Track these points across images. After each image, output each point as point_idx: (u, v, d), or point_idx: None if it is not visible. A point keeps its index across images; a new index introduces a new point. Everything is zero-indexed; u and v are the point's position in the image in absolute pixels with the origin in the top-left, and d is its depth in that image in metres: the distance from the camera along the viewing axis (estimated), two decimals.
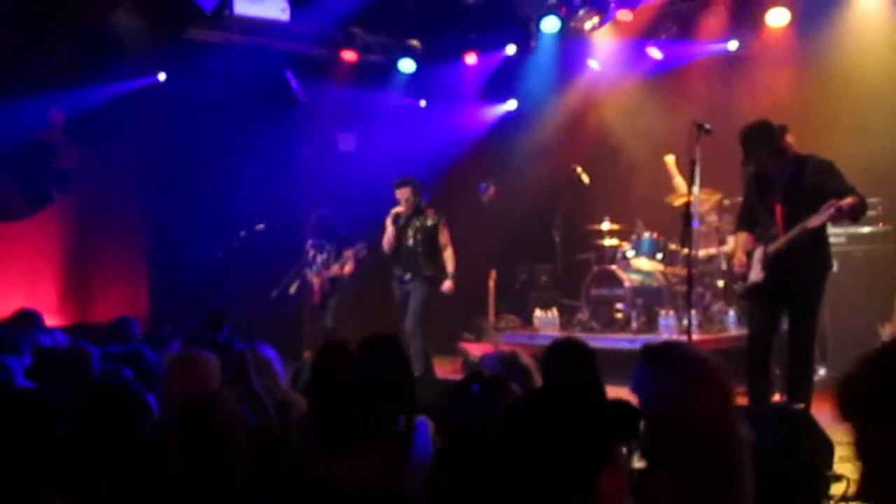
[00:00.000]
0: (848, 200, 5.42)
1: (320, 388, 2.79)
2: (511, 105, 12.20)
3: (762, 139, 5.67)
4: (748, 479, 1.93)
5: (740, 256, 5.98)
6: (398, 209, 8.40)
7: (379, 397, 2.69)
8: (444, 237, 8.38)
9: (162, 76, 10.05)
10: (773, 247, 5.70)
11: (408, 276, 8.31)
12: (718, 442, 2.13)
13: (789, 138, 5.74)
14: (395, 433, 2.82)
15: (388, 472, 2.65)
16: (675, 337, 8.32)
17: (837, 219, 5.69)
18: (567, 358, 3.75)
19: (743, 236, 6.05)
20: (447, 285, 8.33)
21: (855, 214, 5.69)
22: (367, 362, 3.16)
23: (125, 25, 9.38)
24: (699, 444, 2.06)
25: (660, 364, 2.36)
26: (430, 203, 8.56)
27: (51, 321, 8.85)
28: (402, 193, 8.34)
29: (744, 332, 7.37)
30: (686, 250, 6.63)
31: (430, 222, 8.33)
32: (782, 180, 5.74)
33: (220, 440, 2.64)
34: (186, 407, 2.78)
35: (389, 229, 8.42)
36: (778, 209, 5.74)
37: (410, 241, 8.32)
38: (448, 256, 8.35)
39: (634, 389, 2.41)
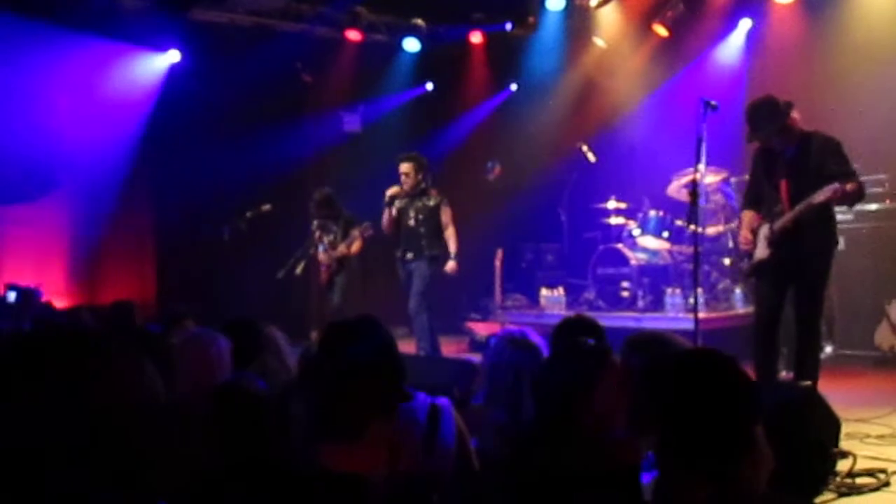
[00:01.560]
0: (848, 186, 5.41)
1: (322, 373, 2.73)
2: (516, 84, 12.16)
3: (768, 115, 5.64)
4: (764, 453, 1.92)
5: (746, 234, 5.98)
6: (394, 189, 8.35)
7: (370, 382, 2.66)
8: (446, 217, 8.32)
9: (173, 57, 10.05)
10: (778, 224, 5.69)
11: (409, 255, 8.28)
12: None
13: (795, 115, 5.71)
14: (392, 418, 2.75)
15: (394, 460, 2.63)
16: (681, 315, 8.35)
17: (835, 201, 5.64)
18: (578, 335, 3.72)
19: (749, 214, 6.03)
20: (451, 265, 8.29)
21: (850, 202, 5.73)
22: (348, 347, 2.97)
23: (131, 4, 9.38)
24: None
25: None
26: (434, 183, 8.53)
27: (59, 304, 8.93)
28: (405, 168, 8.24)
29: (750, 309, 7.39)
30: (693, 228, 6.63)
31: (432, 202, 8.29)
32: (788, 157, 5.73)
33: (250, 421, 2.66)
34: (215, 390, 2.79)
35: (386, 210, 8.40)
36: (783, 186, 5.72)
37: (412, 222, 8.27)
38: (450, 236, 8.29)
39: None
